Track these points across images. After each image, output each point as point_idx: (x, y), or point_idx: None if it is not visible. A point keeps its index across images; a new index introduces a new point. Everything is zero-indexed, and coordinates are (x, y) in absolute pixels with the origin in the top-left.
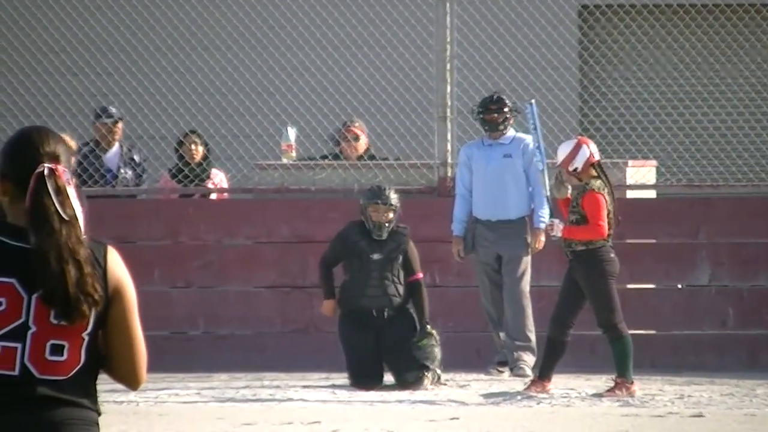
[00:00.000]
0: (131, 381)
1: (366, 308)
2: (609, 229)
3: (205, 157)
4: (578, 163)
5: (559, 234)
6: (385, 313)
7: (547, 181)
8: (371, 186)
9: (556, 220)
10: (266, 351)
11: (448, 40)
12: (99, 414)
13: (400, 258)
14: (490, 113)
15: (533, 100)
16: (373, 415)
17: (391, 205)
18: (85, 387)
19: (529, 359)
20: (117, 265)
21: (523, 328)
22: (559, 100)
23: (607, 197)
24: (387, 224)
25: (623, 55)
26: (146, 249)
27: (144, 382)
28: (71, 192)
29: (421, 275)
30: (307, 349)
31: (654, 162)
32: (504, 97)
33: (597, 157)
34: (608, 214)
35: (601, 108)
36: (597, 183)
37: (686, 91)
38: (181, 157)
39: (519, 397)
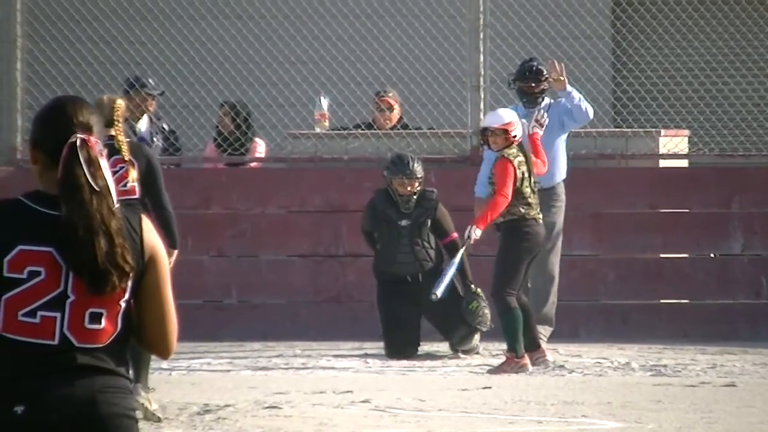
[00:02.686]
0: (162, 350)
1: (399, 275)
2: (523, 197)
3: (240, 127)
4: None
5: (476, 236)
6: (420, 278)
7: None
8: (393, 157)
9: (473, 228)
10: (299, 320)
11: (482, 9)
12: (132, 382)
13: (429, 222)
14: (528, 84)
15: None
16: (405, 384)
17: (416, 177)
18: (120, 355)
19: (545, 331)
20: (151, 233)
21: (547, 297)
22: (592, 69)
23: (517, 165)
24: (414, 195)
25: (656, 24)
26: (179, 218)
27: (174, 351)
28: (103, 163)
29: (456, 235)
30: (339, 318)
31: (686, 131)
32: (542, 67)
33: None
34: (522, 181)
35: (634, 77)
36: (509, 150)
37: (719, 60)
38: (220, 129)
39: (552, 366)
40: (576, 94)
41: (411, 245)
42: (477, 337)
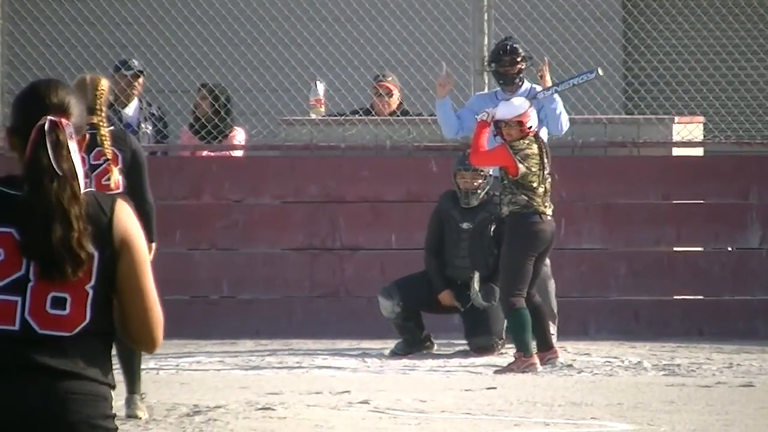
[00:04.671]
0: (147, 343)
1: (451, 279)
2: (526, 188)
3: (228, 113)
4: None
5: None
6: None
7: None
8: (459, 153)
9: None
10: (293, 316)
11: None
12: (113, 387)
13: (492, 228)
14: (504, 65)
15: (601, 71)
16: (405, 384)
17: (477, 170)
18: (92, 354)
19: (552, 328)
20: (125, 217)
21: (546, 296)
22: (601, 52)
23: (521, 158)
24: (476, 191)
25: (669, 5)
26: (167, 208)
27: (160, 345)
28: (72, 146)
29: None
30: (336, 314)
31: (702, 118)
32: (517, 45)
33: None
34: (526, 175)
35: (646, 61)
36: (519, 144)
37: (735, 43)
38: (199, 113)
39: (560, 366)
40: (558, 104)
41: (470, 250)
42: (499, 348)
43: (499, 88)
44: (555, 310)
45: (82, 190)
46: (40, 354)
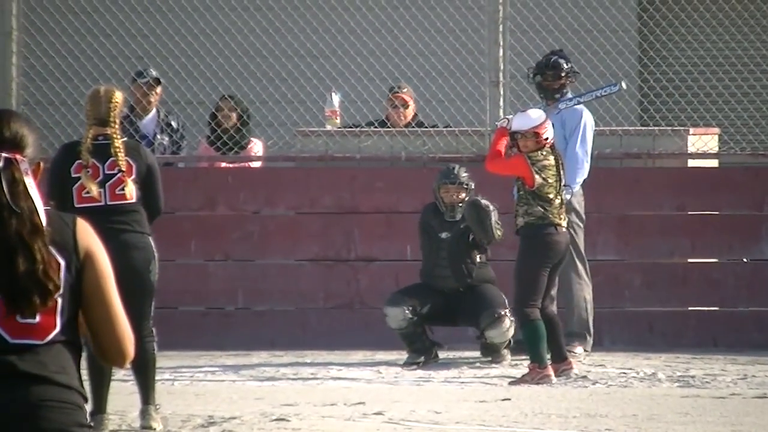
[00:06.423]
0: (116, 357)
1: (435, 288)
2: (542, 199)
3: (244, 124)
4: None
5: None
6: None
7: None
8: (442, 167)
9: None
10: (308, 328)
11: (501, 0)
12: (85, 399)
13: (471, 237)
14: (546, 79)
15: (625, 84)
16: (420, 395)
17: (462, 184)
18: (64, 361)
19: (586, 345)
20: (87, 233)
21: (572, 312)
22: (617, 64)
23: (539, 169)
24: (460, 204)
25: (685, 17)
26: (183, 219)
27: (130, 358)
28: (29, 182)
29: None
30: (351, 325)
31: (717, 129)
32: (561, 60)
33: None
34: (543, 186)
35: (662, 73)
36: (536, 155)
37: (751, 54)
38: (216, 125)
39: (574, 377)
40: (579, 158)
41: (450, 259)
42: (507, 322)
43: (541, 102)
44: (584, 330)
45: (44, 221)
46: (14, 361)
